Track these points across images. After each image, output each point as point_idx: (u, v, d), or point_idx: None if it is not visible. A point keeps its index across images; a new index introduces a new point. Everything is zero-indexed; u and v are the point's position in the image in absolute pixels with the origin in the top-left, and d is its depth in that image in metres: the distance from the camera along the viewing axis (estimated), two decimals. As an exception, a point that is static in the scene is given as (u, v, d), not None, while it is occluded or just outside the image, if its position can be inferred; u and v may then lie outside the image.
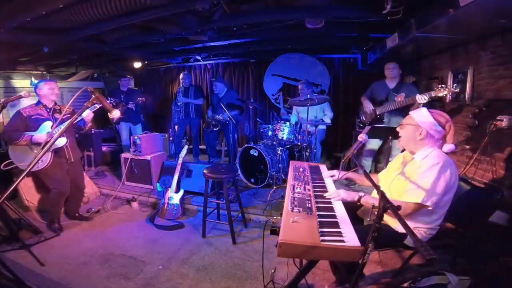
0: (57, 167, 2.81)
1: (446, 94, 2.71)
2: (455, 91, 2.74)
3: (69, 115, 2.91)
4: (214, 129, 4.57)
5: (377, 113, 3.45)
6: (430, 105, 3.45)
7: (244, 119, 5.30)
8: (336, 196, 1.70)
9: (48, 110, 2.84)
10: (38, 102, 2.82)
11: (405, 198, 1.54)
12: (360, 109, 3.74)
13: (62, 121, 2.70)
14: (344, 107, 5.11)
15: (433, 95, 2.78)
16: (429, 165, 1.53)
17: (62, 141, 2.78)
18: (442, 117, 1.63)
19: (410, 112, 1.74)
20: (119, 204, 3.71)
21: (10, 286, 1.80)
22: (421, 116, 1.65)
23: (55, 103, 2.89)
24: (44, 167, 2.70)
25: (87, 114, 2.79)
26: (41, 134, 2.67)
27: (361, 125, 3.72)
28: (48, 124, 2.74)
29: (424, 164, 1.56)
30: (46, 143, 2.59)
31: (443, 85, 2.73)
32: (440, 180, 1.49)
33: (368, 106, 3.50)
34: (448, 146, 1.66)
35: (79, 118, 2.69)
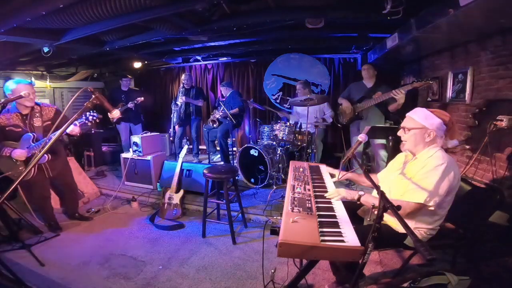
0: (37, 175, 2.70)
1: (422, 86, 2.89)
2: (430, 82, 2.86)
3: (50, 123, 2.67)
4: (214, 125, 4.57)
5: (356, 111, 3.58)
6: (428, 105, 3.47)
7: (243, 121, 5.31)
8: (337, 195, 1.69)
9: (24, 118, 2.57)
10: (12, 108, 2.54)
11: (407, 197, 1.53)
12: (338, 110, 3.88)
13: (45, 131, 2.55)
14: (344, 107, 5.10)
15: (410, 88, 2.96)
16: (433, 165, 1.51)
17: (43, 158, 2.62)
18: (444, 115, 1.61)
19: (410, 115, 1.67)
20: (119, 204, 3.71)
21: (10, 286, 1.80)
22: (426, 118, 1.60)
23: (33, 107, 2.62)
24: (28, 179, 2.63)
25: (71, 130, 2.58)
26: (20, 151, 2.51)
27: (339, 125, 3.87)
28: (28, 138, 2.55)
29: (428, 164, 1.54)
30: (29, 157, 2.52)
31: (419, 79, 2.90)
32: (444, 181, 1.48)
33: (347, 105, 3.64)
34: (452, 142, 1.66)
35: (69, 129, 2.48)
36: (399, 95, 3.06)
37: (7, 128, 2.53)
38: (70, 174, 3.14)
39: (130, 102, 4.58)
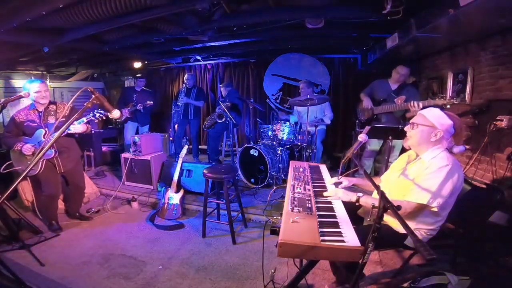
0: (49, 172, 2.75)
1: (444, 104, 2.54)
2: (455, 102, 2.48)
3: (65, 120, 2.72)
4: (220, 120, 4.55)
5: (375, 112, 3.40)
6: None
7: (243, 121, 5.31)
8: (334, 196, 1.69)
9: (39, 113, 2.71)
10: (32, 105, 2.71)
11: (409, 197, 1.52)
12: (358, 106, 3.66)
13: (57, 128, 2.61)
14: (344, 107, 5.11)
15: (432, 104, 2.60)
16: (438, 167, 1.50)
17: (49, 153, 2.69)
18: (456, 118, 1.60)
19: (422, 112, 1.65)
20: (119, 204, 3.71)
21: (10, 286, 1.80)
22: (439, 117, 1.59)
23: (50, 103, 2.77)
24: (36, 174, 2.67)
25: (75, 128, 2.65)
26: (29, 145, 2.61)
27: (361, 124, 3.65)
28: (40, 133, 2.66)
29: (433, 165, 1.53)
30: (38, 152, 2.55)
31: (443, 95, 2.64)
32: (448, 183, 1.47)
33: (368, 103, 3.43)
34: (459, 148, 1.64)
35: (78, 128, 2.64)
36: (415, 108, 2.73)
37: (25, 124, 2.67)
38: (81, 174, 3.17)
39: (139, 104, 4.61)
